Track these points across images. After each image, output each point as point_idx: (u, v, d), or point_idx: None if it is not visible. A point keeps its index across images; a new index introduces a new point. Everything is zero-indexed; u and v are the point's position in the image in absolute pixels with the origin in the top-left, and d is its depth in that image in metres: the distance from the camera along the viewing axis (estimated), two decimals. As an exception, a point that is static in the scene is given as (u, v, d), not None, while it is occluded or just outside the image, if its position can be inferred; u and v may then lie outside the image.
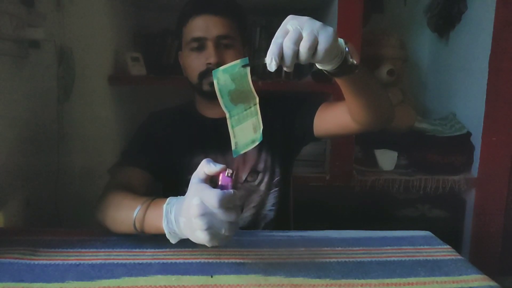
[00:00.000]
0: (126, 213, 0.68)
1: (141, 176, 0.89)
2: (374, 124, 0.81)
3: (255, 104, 0.60)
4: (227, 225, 0.53)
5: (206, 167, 0.56)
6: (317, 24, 0.54)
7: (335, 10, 1.44)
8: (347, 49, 0.60)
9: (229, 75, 0.57)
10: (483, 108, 1.53)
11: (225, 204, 0.51)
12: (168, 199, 0.62)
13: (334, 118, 0.89)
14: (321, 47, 0.54)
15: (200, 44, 0.89)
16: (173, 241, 0.61)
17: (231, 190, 0.54)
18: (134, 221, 0.65)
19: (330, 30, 0.54)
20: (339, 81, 0.69)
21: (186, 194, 0.56)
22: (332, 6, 1.49)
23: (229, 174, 0.56)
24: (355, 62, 0.61)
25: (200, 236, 0.53)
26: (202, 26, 0.89)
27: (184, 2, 0.94)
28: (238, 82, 0.57)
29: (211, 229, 0.52)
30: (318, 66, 0.60)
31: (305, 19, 0.54)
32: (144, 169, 0.90)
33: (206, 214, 0.52)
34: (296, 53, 0.53)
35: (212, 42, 0.88)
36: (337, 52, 0.58)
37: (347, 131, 0.89)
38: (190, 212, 0.53)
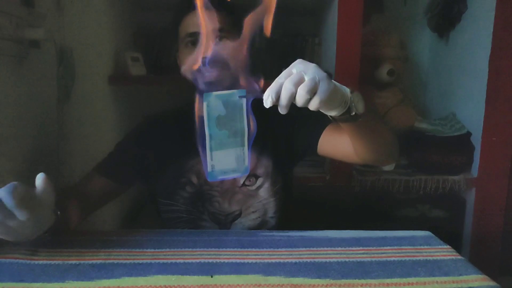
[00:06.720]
0: None
1: (105, 186, 0.94)
2: (377, 162, 0.82)
3: (243, 136, 0.58)
4: None
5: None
6: (322, 73, 0.54)
7: (335, 10, 1.44)
8: (351, 98, 0.60)
9: (221, 101, 0.55)
10: (483, 108, 1.53)
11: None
12: None
13: (338, 146, 0.89)
14: (318, 96, 0.53)
15: (194, 39, 0.90)
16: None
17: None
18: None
19: (331, 84, 0.54)
20: (342, 124, 0.68)
21: None
22: (332, 6, 1.49)
23: None
24: (359, 111, 0.61)
25: None
26: (195, 21, 0.89)
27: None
28: (230, 111, 0.56)
29: None
30: (322, 110, 0.60)
31: (311, 65, 0.54)
32: (114, 181, 0.95)
33: None
34: (293, 95, 0.53)
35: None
36: (340, 102, 0.58)
37: (349, 161, 0.89)
38: None
